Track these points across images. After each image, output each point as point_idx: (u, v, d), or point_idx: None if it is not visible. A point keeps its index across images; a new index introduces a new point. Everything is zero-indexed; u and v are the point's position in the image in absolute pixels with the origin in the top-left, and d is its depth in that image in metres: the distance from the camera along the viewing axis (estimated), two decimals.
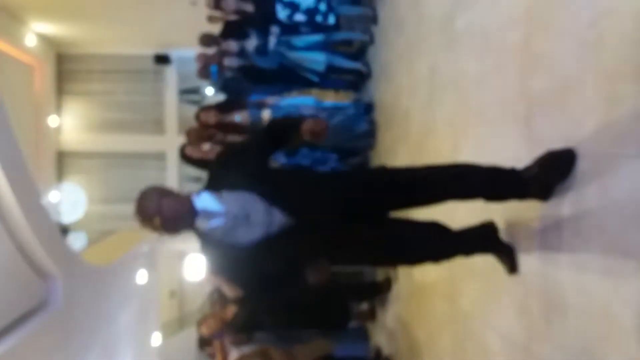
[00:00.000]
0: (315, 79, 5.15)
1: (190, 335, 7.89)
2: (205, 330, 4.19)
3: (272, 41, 4.90)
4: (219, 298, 4.04)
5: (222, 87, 5.60)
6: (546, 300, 1.94)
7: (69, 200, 10.96)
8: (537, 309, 2.00)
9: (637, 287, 1.47)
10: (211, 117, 4.61)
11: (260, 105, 4.80)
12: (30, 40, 9.71)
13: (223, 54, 5.13)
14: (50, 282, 4.63)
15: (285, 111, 4.65)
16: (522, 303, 2.11)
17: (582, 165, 1.74)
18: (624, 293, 1.52)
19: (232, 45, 5.10)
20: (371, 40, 5.09)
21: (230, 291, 3.57)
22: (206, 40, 5.53)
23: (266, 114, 4.65)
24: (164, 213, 1.89)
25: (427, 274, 3.43)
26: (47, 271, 4.58)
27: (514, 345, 2.18)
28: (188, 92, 10.97)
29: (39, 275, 4.51)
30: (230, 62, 5.06)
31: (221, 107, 4.80)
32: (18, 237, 4.13)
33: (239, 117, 4.60)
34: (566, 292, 1.80)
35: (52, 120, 10.80)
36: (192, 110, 10.87)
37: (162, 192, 1.96)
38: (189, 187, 10.42)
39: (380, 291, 4.46)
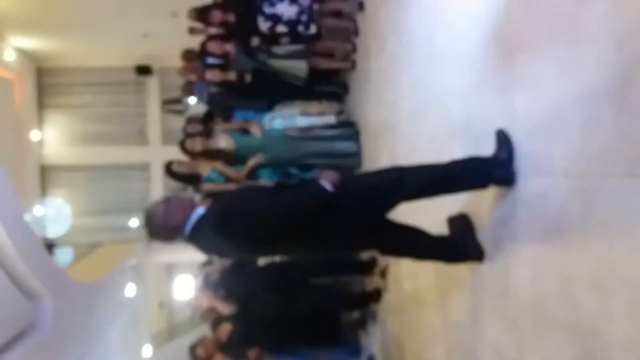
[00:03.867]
0: (299, 83, 5.17)
1: (180, 346, 7.83)
2: (201, 353, 4.18)
3: (254, 41, 4.94)
4: (213, 319, 4.05)
5: (206, 101, 5.60)
6: (534, 315, 1.98)
7: (53, 214, 10.84)
8: (527, 322, 2.04)
9: (625, 303, 1.51)
10: (197, 145, 4.67)
11: (244, 131, 4.83)
12: (10, 55, 9.61)
13: (205, 67, 5.13)
14: (39, 303, 4.62)
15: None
16: (512, 316, 2.15)
17: (568, 184, 1.78)
18: (611, 310, 1.56)
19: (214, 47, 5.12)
20: (354, 50, 5.13)
21: (224, 308, 3.59)
22: (188, 55, 5.53)
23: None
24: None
25: (416, 283, 3.47)
26: (35, 292, 4.56)
27: (505, 357, 2.22)
28: (171, 103, 10.92)
29: (27, 297, 4.49)
30: (212, 75, 5.06)
31: (206, 131, 4.83)
32: (4, 260, 4.11)
33: (223, 143, 4.65)
34: (554, 307, 1.85)
35: (34, 135, 10.69)
36: (175, 120, 10.88)
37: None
38: None
39: (369, 301, 4.49)
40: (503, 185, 2.16)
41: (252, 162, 4.68)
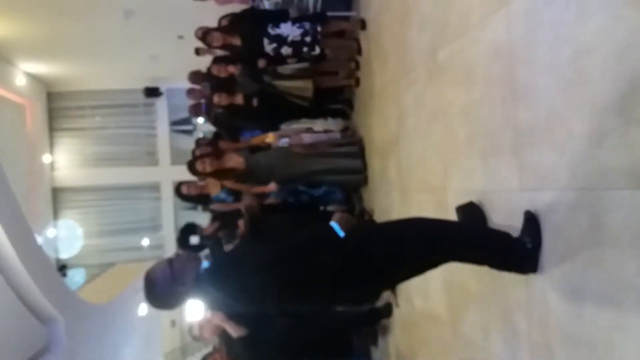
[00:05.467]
0: (305, 103, 5.21)
1: None
2: None
3: (261, 63, 5.01)
4: (223, 341, 4.04)
5: (213, 122, 5.65)
6: (547, 330, 1.97)
7: (65, 235, 10.94)
8: (538, 337, 2.03)
9: (637, 318, 1.50)
10: (208, 167, 4.70)
11: (252, 149, 4.87)
12: (21, 81, 9.79)
13: (213, 89, 5.19)
14: (52, 326, 4.64)
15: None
16: (524, 331, 2.14)
17: (575, 197, 1.77)
18: (625, 324, 1.55)
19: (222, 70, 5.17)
20: (357, 68, 5.17)
21: (233, 331, 3.58)
22: (195, 77, 5.60)
23: None
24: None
25: (427, 299, 3.45)
26: (48, 315, 4.59)
27: None
28: (180, 123, 11.08)
29: (40, 320, 4.52)
30: (219, 98, 5.12)
31: (215, 152, 4.87)
32: (17, 284, 4.14)
33: (233, 162, 4.69)
34: (567, 322, 1.83)
35: (46, 158, 10.84)
36: (184, 140, 10.98)
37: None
38: (184, 215, 10.46)
39: (381, 317, 4.46)
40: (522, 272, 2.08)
41: (268, 188, 4.74)
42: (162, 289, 1.97)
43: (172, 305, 2.02)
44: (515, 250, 2.03)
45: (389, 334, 4.47)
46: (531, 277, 2.05)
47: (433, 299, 3.31)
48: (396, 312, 4.27)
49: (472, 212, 2.43)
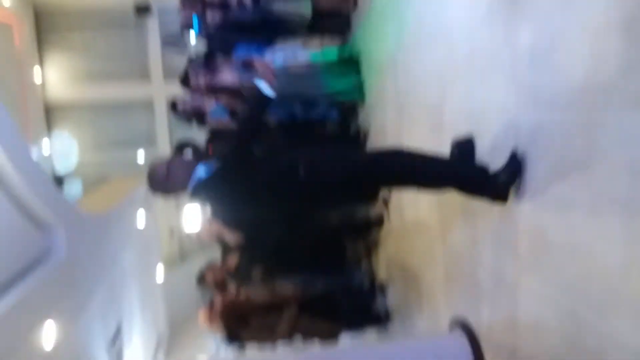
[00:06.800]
0: (303, 21, 5.07)
1: (191, 269, 8.03)
2: (210, 279, 4.32)
3: None
4: (222, 249, 4.16)
5: (205, 37, 5.47)
6: (534, 239, 2.03)
7: (60, 150, 10.93)
8: (525, 248, 2.10)
9: (620, 227, 1.55)
10: (201, 80, 4.59)
11: (248, 66, 4.76)
12: (6, 2, 9.48)
13: (205, 5, 4.97)
14: (51, 233, 4.67)
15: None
16: (511, 243, 2.21)
17: (572, 116, 1.78)
18: (609, 234, 1.59)
19: None
20: None
21: (231, 238, 3.68)
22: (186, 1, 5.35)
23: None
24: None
25: (418, 212, 3.55)
26: (46, 223, 4.58)
27: (504, 282, 2.31)
28: (171, 40, 10.78)
29: (38, 228, 4.52)
30: (212, 16, 4.91)
31: (208, 67, 4.73)
32: (13, 193, 4.09)
33: (228, 77, 4.59)
34: (553, 233, 1.89)
35: (37, 76, 10.67)
36: (176, 58, 10.70)
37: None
38: (179, 132, 10.42)
39: (373, 226, 4.58)
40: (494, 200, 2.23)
41: None
42: (157, 181, 2.39)
43: (165, 195, 2.44)
44: (486, 188, 2.22)
45: (380, 245, 4.62)
46: (522, 193, 2.11)
47: (424, 213, 3.41)
48: (387, 223, 4.40)
49: (464, 147, 2.47)
